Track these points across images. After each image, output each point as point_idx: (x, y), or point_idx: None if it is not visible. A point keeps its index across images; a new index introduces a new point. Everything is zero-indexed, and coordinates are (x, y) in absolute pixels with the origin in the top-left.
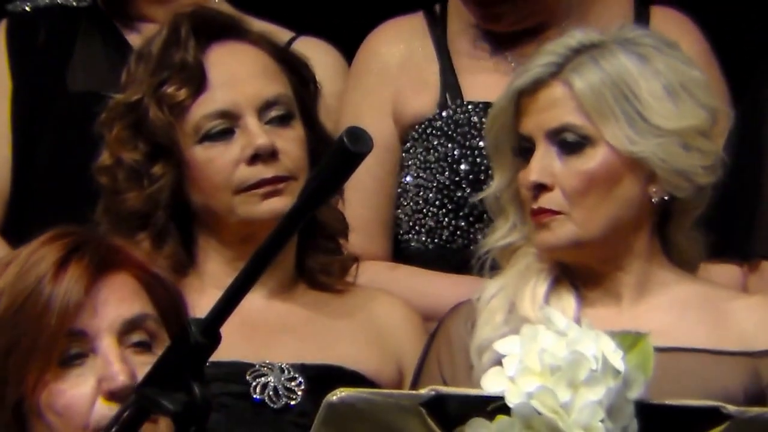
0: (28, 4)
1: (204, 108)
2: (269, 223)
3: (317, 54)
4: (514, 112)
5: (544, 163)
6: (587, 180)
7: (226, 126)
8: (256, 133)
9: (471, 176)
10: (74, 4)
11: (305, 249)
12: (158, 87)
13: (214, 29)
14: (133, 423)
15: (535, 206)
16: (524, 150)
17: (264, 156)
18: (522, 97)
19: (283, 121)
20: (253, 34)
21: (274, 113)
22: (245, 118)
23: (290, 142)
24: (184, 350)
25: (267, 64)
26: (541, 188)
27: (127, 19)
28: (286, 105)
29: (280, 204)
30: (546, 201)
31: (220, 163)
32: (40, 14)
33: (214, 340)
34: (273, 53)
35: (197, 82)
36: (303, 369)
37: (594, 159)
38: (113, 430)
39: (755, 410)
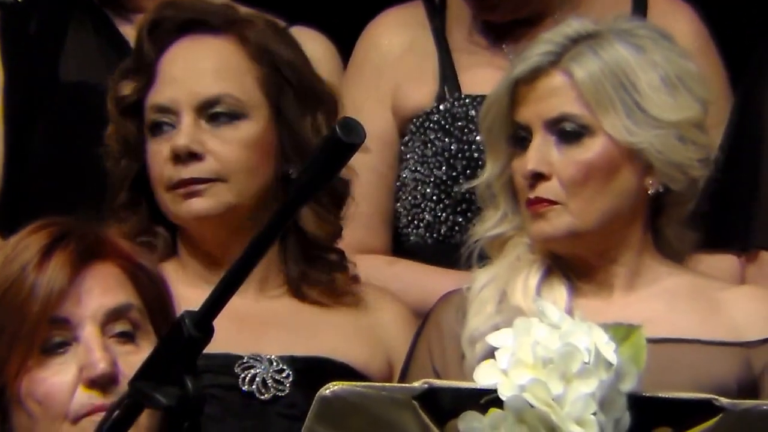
0: None
1: (150, 101)
2: (194, 222)
3: (309, 44)
4: (510, 100)
5: (542, 152)
6: (585, 170)
7: (168, 121)
8: (178, 133)
9: (468, 171)
10: None
11: (294, 260)
12: (119, 78)
13: (184, 22)
14: (126, 417)
15: (531, 196)
16: (520, 139)
17: (183, 157)
18: (519, 86)
19: (227, 120)
20: (227, 27)
21: (216, 111)
22: (182, 115)
23: (226, 143)
24: (178, 344)
25: (230, 59)
26: (538, 177)
27: (120, 10)
28: (232, 104)
29: (199, 206)
30: (543, 190)
31: (157, 158)
32: (32, 5)
33: (208, 333)
34: (247, 47)
35: (147, 76)
36: (291, 361)
37: (592, 149)
38: (107, 424)
39: (748, 402)
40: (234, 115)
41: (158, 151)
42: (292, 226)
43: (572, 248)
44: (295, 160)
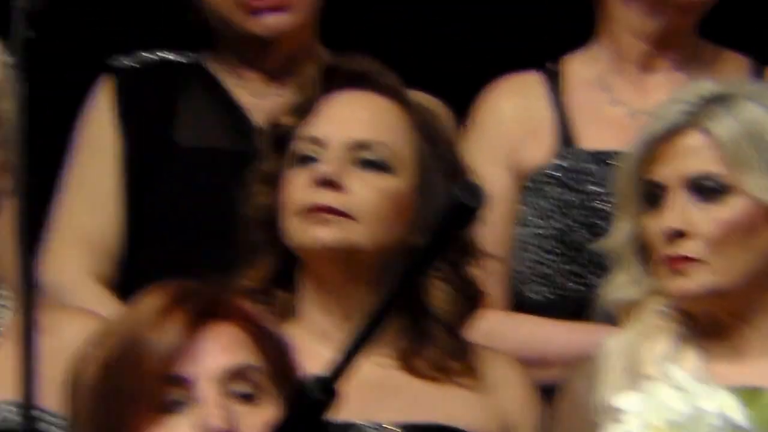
0: (134, 59)
1: (302, 132)
2: (316, 252)
3: None
4: (643, 158)
5: (681, 209)
6: (727, 229)
7: (315, 154)
8: (327, 161)
9: (585, 221)
10: (177, 59)
11: (404, 332)
12: (280, 112)
13: (357, 75)
14: None
15: (672, 253)
16: (653, 197)
17: (325, 182)
18: (652, 144)
19: (374, 167)
20: (395, 93)
21: (363, 156)
22: (329, 147)
23: (368, 187)
24: (304, 407)
25: (391, 117)
26: (677, 235)
27: (233, 73)
28: (383, 153)
29: (325, 234)
30: (683, 248)
31: (295, 184)
32: (147, 69)
33: (334, 396)
34: (410, 114)
35: (306, 111)
36: (413, 429)
37: (734, 208)
38: None
39: None
40: (381, 165)
41: (299, 178)
42: (410, 298)
43: (711, 306)
44: (425, 235)
